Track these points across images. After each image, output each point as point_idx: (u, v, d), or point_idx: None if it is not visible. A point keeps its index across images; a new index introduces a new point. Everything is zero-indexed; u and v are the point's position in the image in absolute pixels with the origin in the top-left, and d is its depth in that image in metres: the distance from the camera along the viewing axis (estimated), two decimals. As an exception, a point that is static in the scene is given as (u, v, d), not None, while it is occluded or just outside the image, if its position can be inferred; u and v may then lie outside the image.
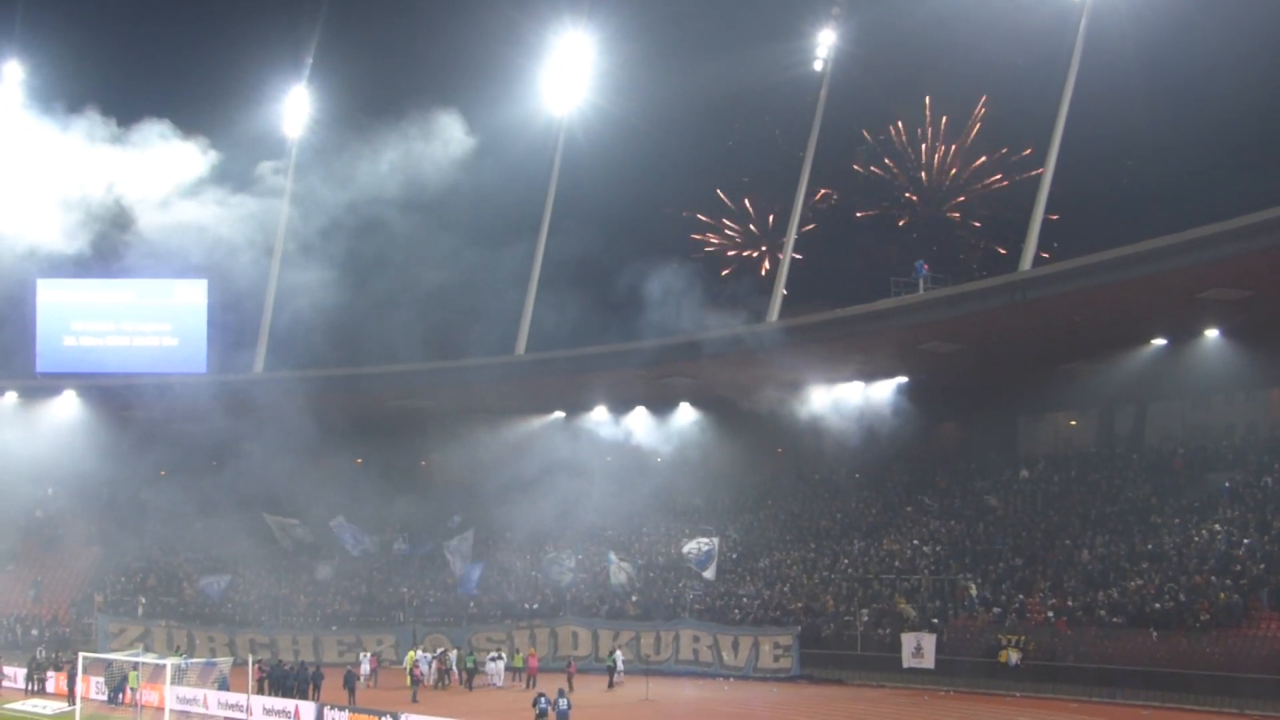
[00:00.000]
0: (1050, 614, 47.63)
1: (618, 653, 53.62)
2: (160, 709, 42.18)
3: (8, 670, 52.62)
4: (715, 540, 59.18)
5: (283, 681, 46.60)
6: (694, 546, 58.56)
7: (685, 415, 66.81)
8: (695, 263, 55.07)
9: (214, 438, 63.58)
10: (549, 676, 50.74)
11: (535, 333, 61.46)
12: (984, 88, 71.30)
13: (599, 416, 67.45)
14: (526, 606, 61.70)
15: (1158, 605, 45.01)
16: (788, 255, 57.98)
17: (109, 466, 62.98)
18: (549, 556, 62.76)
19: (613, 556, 61.23)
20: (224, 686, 45.61)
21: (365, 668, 52.89)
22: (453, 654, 54.49)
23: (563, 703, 39.07)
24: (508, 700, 48.39)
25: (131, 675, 46.34)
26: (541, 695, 40.07)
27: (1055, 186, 51.80)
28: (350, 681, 47.30)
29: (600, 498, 63.88)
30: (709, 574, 58.14)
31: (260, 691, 45.05)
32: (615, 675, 52.25)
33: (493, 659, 53.89)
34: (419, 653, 53.03)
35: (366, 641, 59.71)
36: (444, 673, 52.85)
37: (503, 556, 67.27)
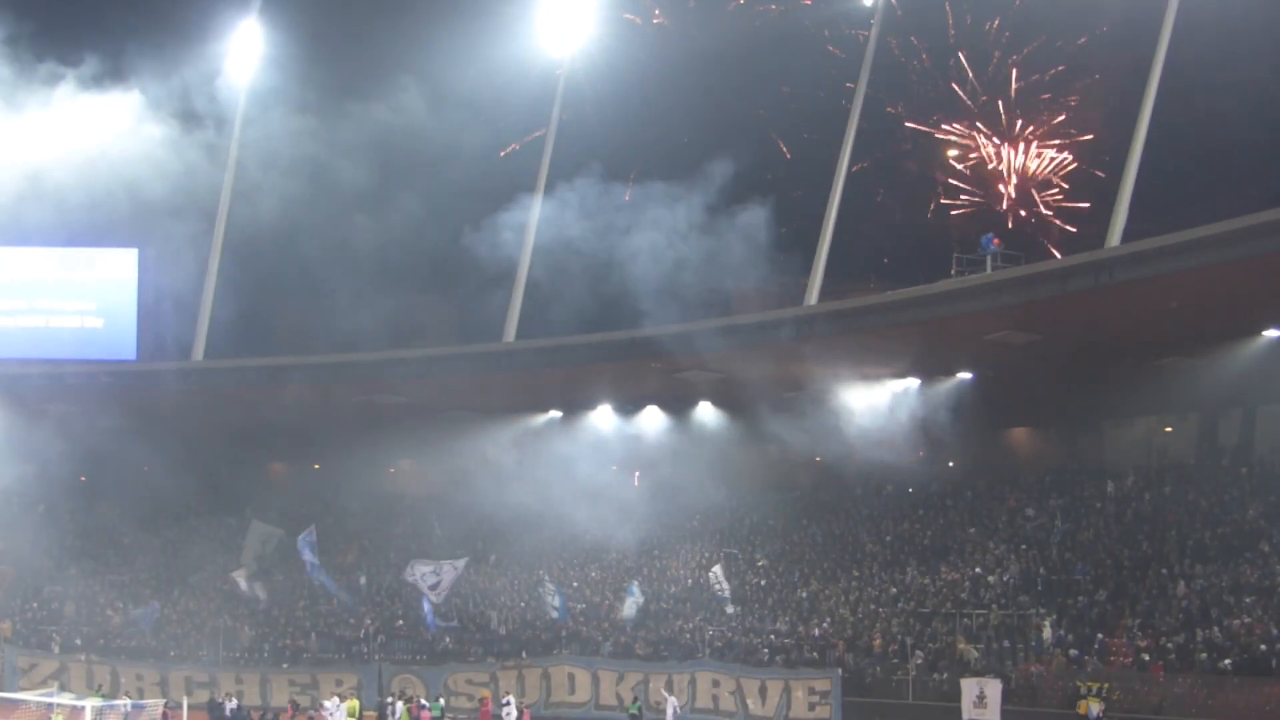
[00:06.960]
0: (1145, 656, 47.18)
1: (671, 698, 53.06)
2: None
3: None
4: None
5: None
6: (718, 573, 58.77)
7: (705, 416, 66.32)
8: (721, 232, 54.47)
9: (144, 437, 63.36)
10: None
11: (527, 316, 61.00)
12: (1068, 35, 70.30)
13: (603, 417, 66.88)
14: (505, 643, 61.29)
15: (1264, 647, 44.46)
16: (829, 227, 57.32)
17: (19, 471, 62.38)
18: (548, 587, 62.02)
19: (634, 587, 61.22)
20: None
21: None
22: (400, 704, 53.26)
23: None
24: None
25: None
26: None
27: (1149, 149, 51.22)
28: None
29: (603, 514, 62.92)
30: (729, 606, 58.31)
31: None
32: None
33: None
34: (332, 701, 52.32)
35: (323, 680, 59.04)
36: None
37: (485, 583, 66.79)
